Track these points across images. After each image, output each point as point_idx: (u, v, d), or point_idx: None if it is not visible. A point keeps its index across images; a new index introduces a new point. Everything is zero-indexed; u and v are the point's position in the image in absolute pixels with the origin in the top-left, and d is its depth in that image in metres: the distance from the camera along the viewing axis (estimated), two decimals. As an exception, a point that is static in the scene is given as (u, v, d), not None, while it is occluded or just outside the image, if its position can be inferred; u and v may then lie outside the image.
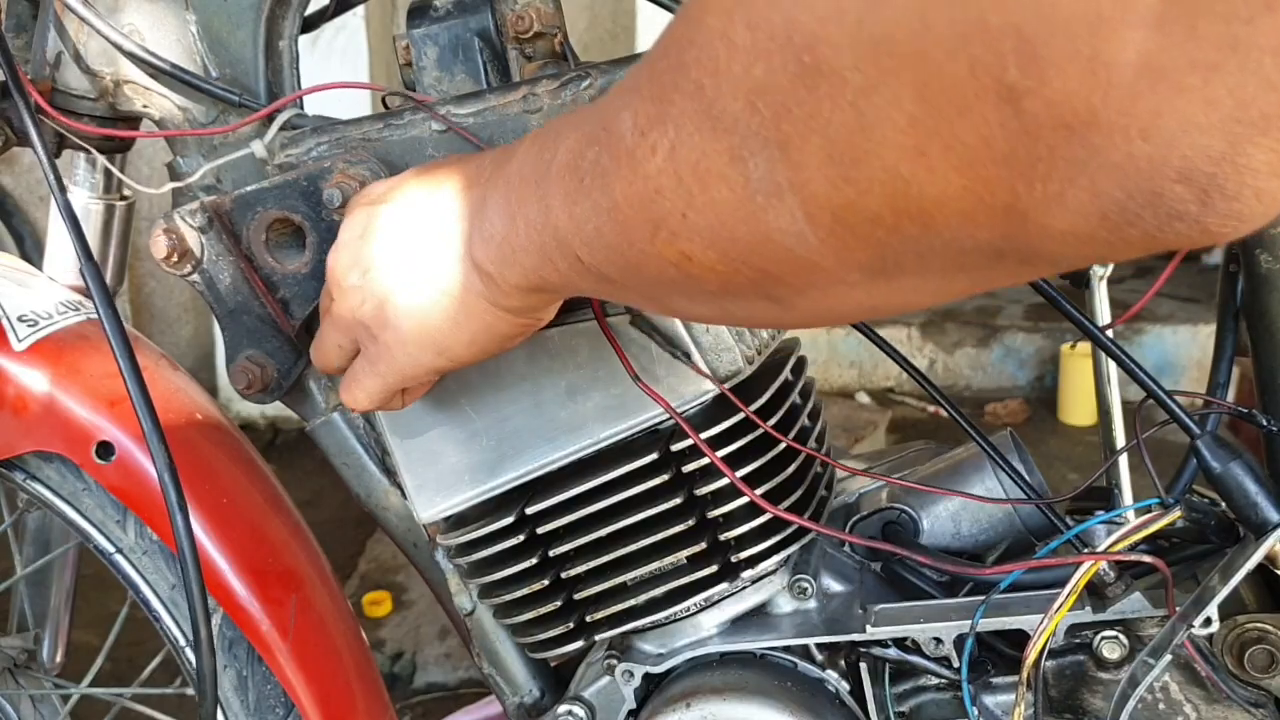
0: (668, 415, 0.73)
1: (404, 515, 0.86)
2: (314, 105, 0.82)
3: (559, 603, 0.78)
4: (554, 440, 0.75)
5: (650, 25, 3.24)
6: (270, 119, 0.78)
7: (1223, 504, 0.68)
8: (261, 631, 0.91)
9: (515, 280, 0.56)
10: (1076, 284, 0.86)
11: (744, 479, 0.72)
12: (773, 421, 0.75)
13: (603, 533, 0.76)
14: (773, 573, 0.79)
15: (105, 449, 0.87)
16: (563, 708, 0.82)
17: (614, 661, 0.81)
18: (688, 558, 0.76)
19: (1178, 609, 0.66)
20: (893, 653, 0.75)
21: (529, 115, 0.73)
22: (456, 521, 0.80)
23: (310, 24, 0.88)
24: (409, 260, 0.61)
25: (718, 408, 0.74)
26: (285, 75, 0.84)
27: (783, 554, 0.77)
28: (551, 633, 0.79)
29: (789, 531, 0.76)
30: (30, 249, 2.74)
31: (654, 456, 0.74)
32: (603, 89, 0.72)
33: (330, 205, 0.74)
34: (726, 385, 0.73)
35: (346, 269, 0.64)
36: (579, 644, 0.80)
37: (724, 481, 0.74)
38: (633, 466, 0.74)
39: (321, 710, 0.95)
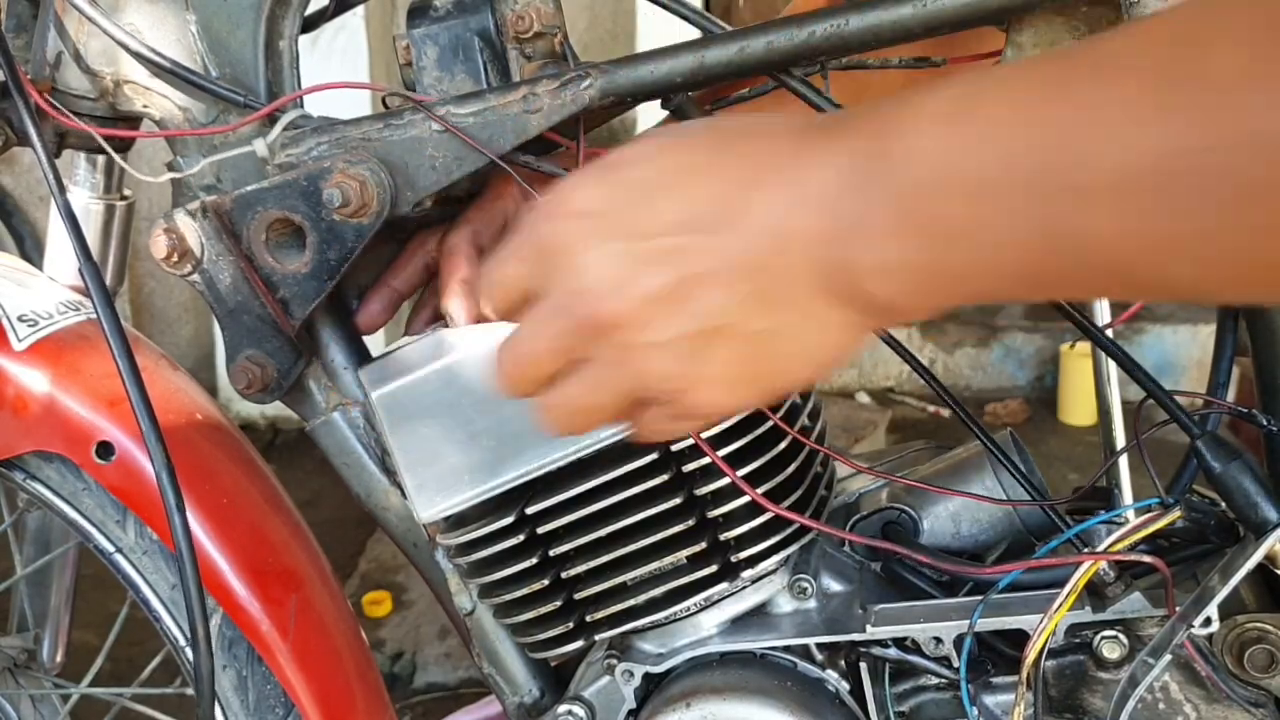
0: None
1: (404, 515, 0.86)
2: (314, 105, 0.82)
3: (559, 602, 0.78)
4: (554, 440, 0.75)
5: (650, 25, 3.24)
6: (271, 119, 0.78)
7: (1223, 504, 0.68)
8: (261, 631, 0.91)
9: (929, 306, 0.46)
10: None
11: (744, 479, 0.72)
12: (775, 418, 0.75)
13: (603, 533, 0.76)
14: (773, 572, 0.79)
15: (105, 449, 0.87)
16: (563, 708, 0.82)
17: (614, 661, 0.81)
18: (688, 558, 0.76)
19: (1178, 609, 0.66)
20: (893, 652, 0.75)
21: (529, 115, 0.73)
22: (456, 521, 0.79)
23: (310, 24, 0.88)
24: (754, 251, 0.47)
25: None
26: (285, 75, 0.84)
27: (783, 554, 0.77)
28: (551, 632, 0.79)
29: (789, 531, 0.76)
30: (30, 249, 2.75)
31: (654, 457, 0.74)
32: (603, 89, 0.72)
33: (330, 205, 0.74)
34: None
35: (654, 224, 0.49)
36: (579, 644, 0.80)
37: (724, 481, 0.74)
38: (633, 466, 0.74)
39: (321, 710, 0.95)
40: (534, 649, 0.82)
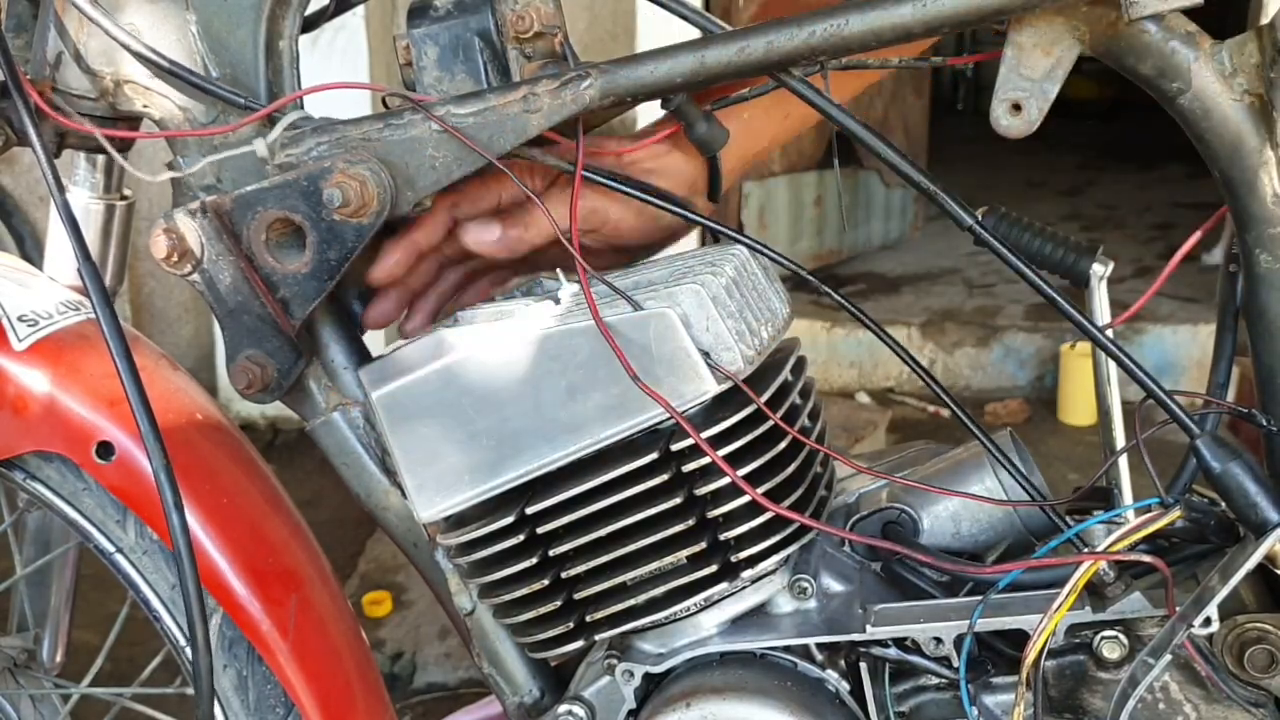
0: (668, 415, 0.73)
1: (404, 515, 0.86)
2: (313, 105, 0.82)
3: (559, 602, 0.78)
4: (554, 440, 0.75)
5: (650, 25, 3.24)
6: (272, 119, 0.78)
7: (1223, 504, 0.68)
8: (261, 631, 0.92)
9: None
10: (1076, 284, 0.86)
11: (744, 478, 0.72)
12: (776, 417, 0.75)
13: (602, 532, 0.76)
14: (772, 573, 0.79)
15: (105, 449, 0.87)
16: (563, 708, 0.82)
17: (614, 661, 0.81)
18: (688, 557, 0.76)
19: (1178, 609, 0.66)
20: (893, 653, 0.75)
21: (529, 115, 0.73)
22: (456, 521, 0.79)
23: (310, 24, 0.88)
24: None
25: (717, 407, 0.74)
26: (285, 75, 0.84)
27: (783, 554, 0.77)
28: (551, 632, 0.79)
29: (789, 531, 0.76)
30: (30, 249, 2.74)
31: (654, 456, 0.74)
32: (603, 89, 0.72)
33: (330, 205, 0.74)
34: (727, 384, 0.73)
35: None
36: (579, 644, 0.80)
37: (724, 481, 0.74)
38: (632, 466, 0.74)
39: (321, 710, 0.95)
40: (534, 649, 0.82)
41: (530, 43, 0.79)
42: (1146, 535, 0.66)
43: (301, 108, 0.81)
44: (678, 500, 0.75)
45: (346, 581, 2.30)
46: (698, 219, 0.81)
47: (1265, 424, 0.67)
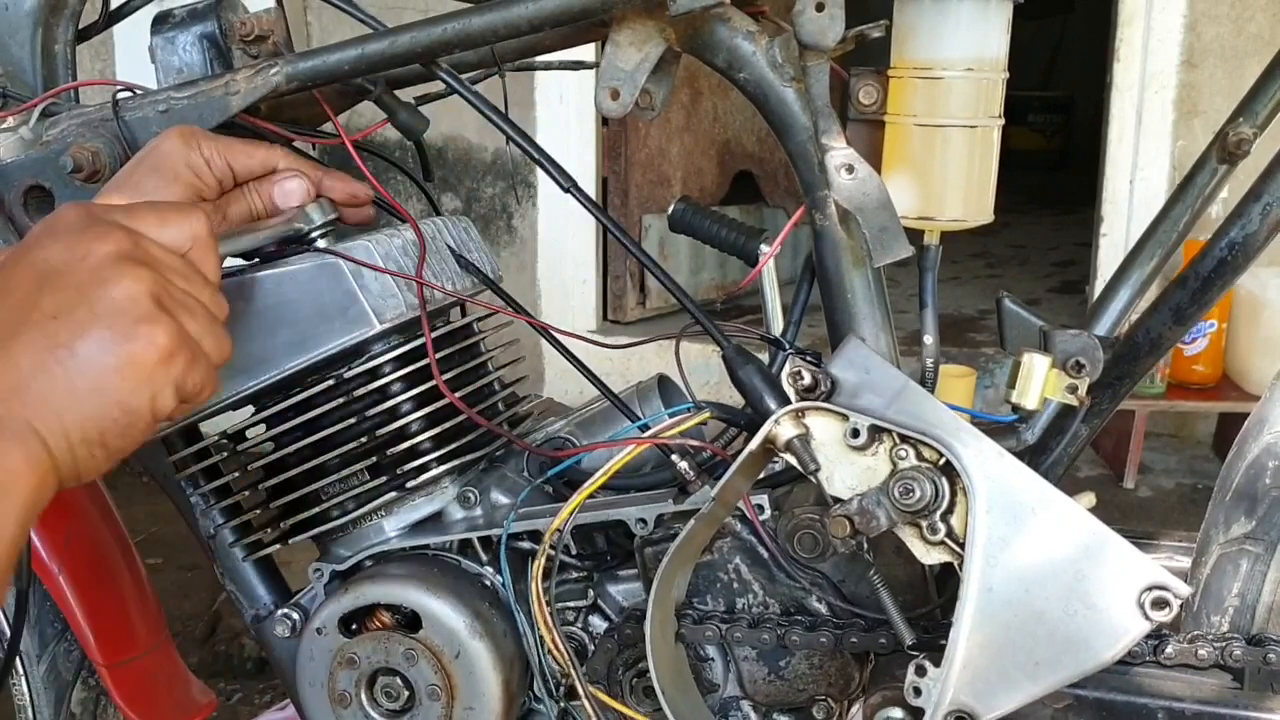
0: (339, 349, 0.86)
1: (153, 447, 1.00)
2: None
3: (258, 510, 0.92)
4: (248, 371, 0.88)
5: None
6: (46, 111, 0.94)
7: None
8: (37, 553, 1.05)
9: None
10: (749, 262, 1.01)
11: (426, 396, 0.87)
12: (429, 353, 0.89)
13: (287, 451, 0.90)
14: (447, 488, 0.93)
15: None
16: (281, 611, 0.96)
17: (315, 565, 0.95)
18: (365, 470, 0.91)
19: (718, 485, 0.80)
20: (525, 545, 0.89)
21: (230, 97, 0.89)
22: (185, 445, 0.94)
23: (85, 34, 1.04)
24: None
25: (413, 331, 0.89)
26: (60, 76, 1.00)
27: (444, 467, 0.91)
28: (254, 537, 0.94)
29: (450, 448, 0.90)
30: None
31: (330, 383, 0.89)
32: (288, 75, 0.88)
33: (64, 170, 0.89)
34: (390, 324, 0.88)
35: None
36: (278, 546, 0.94)
37: (392, 403, 0.88)
38: (310, 393, 0.88)
39: (94, 627, 1.09)
40: (248, 552, 0.96)
41: (254, 44, 0.95)
42: (682, 430, 0.81)
43: (77, 99, 0.97)
44: (351, 421, 0.89)
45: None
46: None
47: (787, 348, 0.82)
